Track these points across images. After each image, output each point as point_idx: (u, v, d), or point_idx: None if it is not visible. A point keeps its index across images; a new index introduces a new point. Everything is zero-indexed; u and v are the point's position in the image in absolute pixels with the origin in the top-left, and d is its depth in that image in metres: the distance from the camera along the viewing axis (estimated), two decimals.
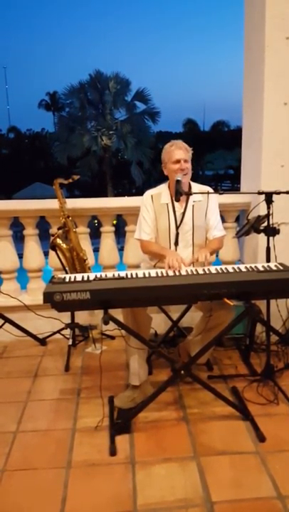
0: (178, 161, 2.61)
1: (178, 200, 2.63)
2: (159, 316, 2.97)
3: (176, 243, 2.67)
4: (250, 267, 2.36)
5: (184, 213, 2.69)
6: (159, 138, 26.79)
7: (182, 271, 2.35)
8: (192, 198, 2.69)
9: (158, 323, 3.08)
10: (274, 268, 2.35)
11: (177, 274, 2.32)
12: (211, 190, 2.75)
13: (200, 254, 2.50)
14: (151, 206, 2.71)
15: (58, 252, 3.18)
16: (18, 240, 3.84)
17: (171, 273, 2.33)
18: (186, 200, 2.69)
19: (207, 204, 2.72)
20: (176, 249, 2.66)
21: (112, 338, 3.45)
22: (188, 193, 2.64)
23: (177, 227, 2.68)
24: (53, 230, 3.42)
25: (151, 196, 2.73)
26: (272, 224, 2.63)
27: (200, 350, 2.44)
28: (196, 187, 2.73)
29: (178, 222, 2.68)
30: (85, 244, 3.44)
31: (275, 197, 2.60)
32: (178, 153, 2.62)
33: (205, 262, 2.45)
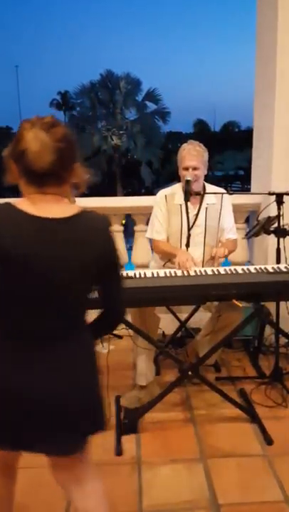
0: (187, 169, 2.59)
1: (187, 200, 2.61)
2: (167, 316, 2.96)
3: (188, 244, 2.65)
4: (260, 268, 2.34)
5: (197, 215, 2.66)
6: (169, 138, 26.82)
7: (191, 271, 2.34)
8: (206, 200, 2.67)
9: (166, 323, 3.07)
10: (284, 270, 2.33)
11: (186, 274, 2.31)
12: (225, 193, 2.72)
13: (218, 249, 2.48)
14: (164, 206, 2.69)
15: None
16: None
17: (179, 273, 2.32)
18: (199, 201, 2.67)
19: (221, 207, 2.70)
20: (186, 250, 2.64)
21: (120, 337, 3.44)
22: (197, 193, 2.62)
23: (189, 229, 2.66)
24: None
25: (165, 196, 2.71)
26: (283, 225, 2.61)
27: (208, 352, 2.43)
28: (210, 188, 2.71)
29: (190, 224, 2.66)
30: None
31: (285, 198, 2.58)
32: (188, 161, 2.59)
33: (219, 258, 2.43)
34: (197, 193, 2.61)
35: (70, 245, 1.25)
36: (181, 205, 2.67)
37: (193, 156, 2.59)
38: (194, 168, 2.58)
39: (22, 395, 1.23)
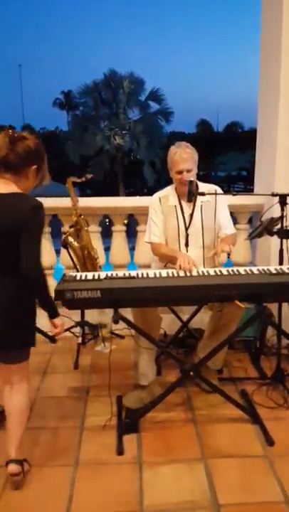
0: (181, 172, 2.59)
1: (190, 201, 2.61)
2: (168, 316, 2.96)
3: (187, 244, 2.66)
4: (263, 269, 2.33)
5: (192, 214, 2.67)
6: (172, 138, 26.72)
7: (193, 272, 2.33)
8: (200, 198, 2.67)
9: (167, 323, 3.07)
10: (287, 271, 2.32)
11: (188, 274, 2.31)
12: (218, 189, 2.72)
13: (220, 248, 2.49)
14: (159, 208, 2.70)
15: (70, 250, 3.19)
16: None
17: (182, 273, 2.32)
18: (193, 200, 2.67)
19: (215, 204, 2.70)
20: (186, 251, 2.64)
21: (122, 337, 3.45)
22: (201, 193, 2.62)
23: (186, 228, 2.66)
24: (65, 228, 3.42)
25: (159, 198, 2.72)
26: (286, 226, 2.61)
27: (211, 351, 2.43)
28: (203, 187, 2.71)
29: (187, 224, 2.66)
30: (97, 243, 3.45)
31: None
32: (181, 164, 2.59)
33: (221, 255, 2.45)
34: (200, 194, 2.61)
35: (2, 209, 1.86)
36: (175, 206, 2.68)
37: (185, 160, 2.59)
38: (188, 171, 2.59)
39: None
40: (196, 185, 2.69)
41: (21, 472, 1.97)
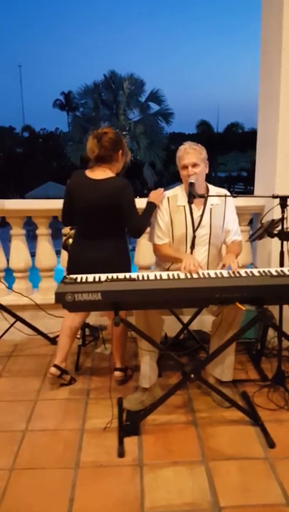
0: (186, 167, 2.58)
1: (191, 203, 2.60)
2: (169, 318, 2.96)
3: (193, 246, 2.64)
4: (263, 271, 2.33)
5: (201, 216, 2.65)
6: (172, 139, 26.77)
7: (194, 274, 2.33)
8: (210, 201, 2.66)
9: (168, 325, 3.06)
10: (287, 273, 2.32)
11: (189, 277, 2.30)
12: (228, 193, 2.71)
13: (229, 261, 2.41)
14: (166, 209, 2.68)
15: None
16: (31, 238, 3.86)
17: (182, 276, 2.31)
18: (203, 203, 2.65)
19: (225, 208, 2.69)
20: (191, 253, 2.63)
21: None
22: (201, 196, 2.60)
23: (194, 230, 2.64)
24: (66, 229, 3.42)
25: (168, 198, 2.69)
26: (287, 228, 2.61)
27: (212, 353, 2.42)
28: (213, 190, 2.70)
29: (195, 226, 2.64)
30: None
31: None
32: (186, 159, 2.58)
33: (234, 268, 2.35)
34: (201, 196, 2.60)
35: (99, 191, 2.59)
36: (184, 206, 2.65)
37: (190, 154, 2.58)
38: (194, 165, 2.57)
39: (80, 259, 2.71)
40: (206, 188, 2.68)
41: (123, 376, 2.81)
